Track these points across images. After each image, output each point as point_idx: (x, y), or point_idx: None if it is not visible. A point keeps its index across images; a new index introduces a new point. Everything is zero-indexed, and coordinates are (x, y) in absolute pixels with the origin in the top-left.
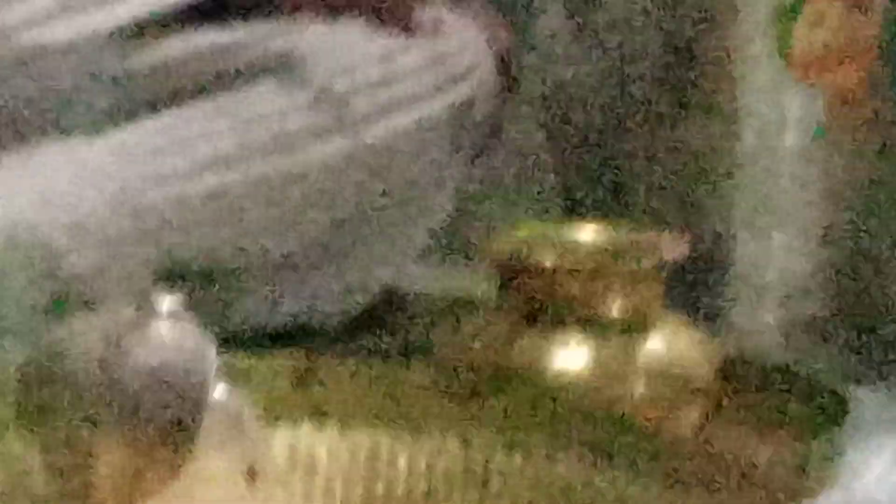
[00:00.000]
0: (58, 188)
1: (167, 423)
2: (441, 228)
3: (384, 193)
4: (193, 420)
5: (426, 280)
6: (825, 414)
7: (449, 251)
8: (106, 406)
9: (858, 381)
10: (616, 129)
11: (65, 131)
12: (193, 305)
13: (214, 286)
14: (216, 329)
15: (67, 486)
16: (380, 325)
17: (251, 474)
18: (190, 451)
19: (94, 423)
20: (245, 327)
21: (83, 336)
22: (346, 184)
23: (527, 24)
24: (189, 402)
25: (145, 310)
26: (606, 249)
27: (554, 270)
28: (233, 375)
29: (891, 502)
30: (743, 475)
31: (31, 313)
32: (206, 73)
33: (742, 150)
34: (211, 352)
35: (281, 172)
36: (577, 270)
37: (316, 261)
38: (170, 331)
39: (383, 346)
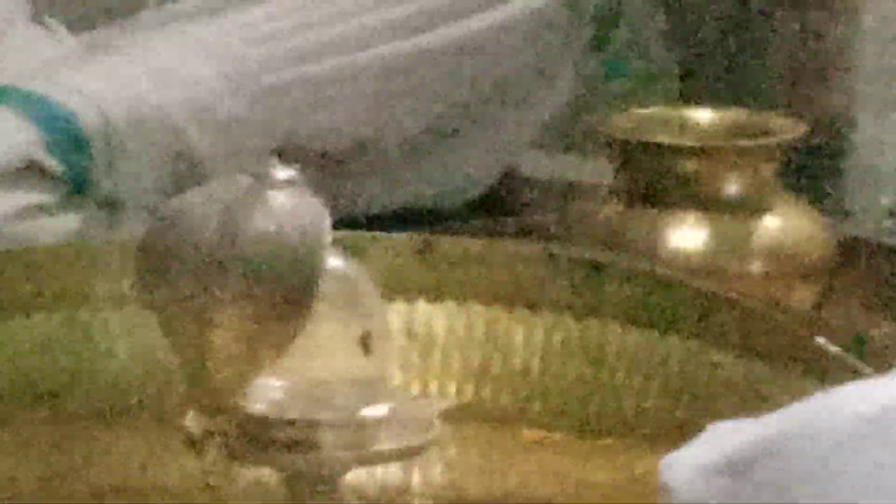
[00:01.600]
0: (179, 69)
1: (283, 289)
2: (560, 113)
3: (501, 78)
4: (309, 287)
5: (545, 164)
6: None
7: (568, 135)
8: (223, 274)
9: None
10: (735, 12)
11: (187, 13)
12: (314, 186)
13: (335, 168)
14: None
15: (187, 354)
16: (499, 207)
17: (366, 343)
18: (305, 319)
19: (212, 291)
20: (366, 209)
21: (202, 205)
22: (461, 70)
23: None
24: (304, 269)
25: (262, 179)
26: (723, 128)
27: (671, 149)
28: (353, 250)
29: None
30: (872, 352)
31: (155, 186)
32: None
33: (862, 31)
34: (326, 220)
35: (399, 56)
36: (693, 148)
37: (436, 145)
38: (285, 199)
39: (503, 227)
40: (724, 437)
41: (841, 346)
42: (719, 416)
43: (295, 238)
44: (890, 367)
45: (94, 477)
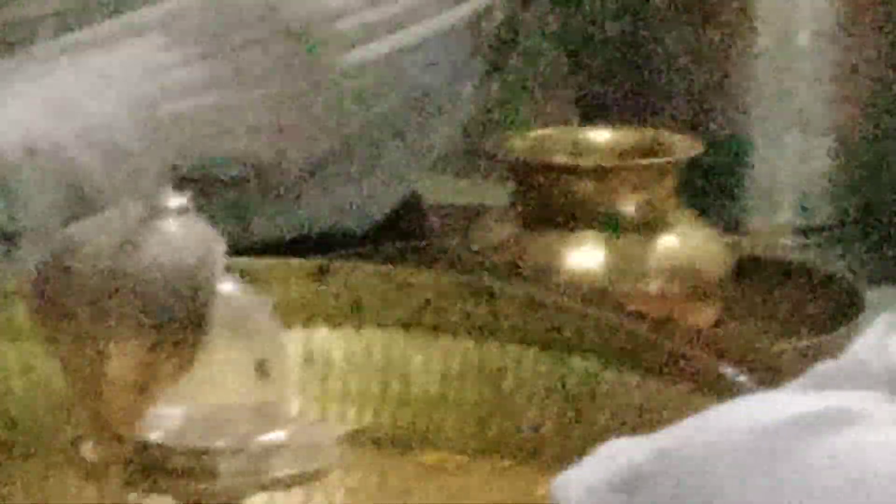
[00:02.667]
0: (74, 98)
1: (178, 317)
2: (460, 137)
3: (400, 103)
4: (203, 315)
5: (445, 188)
6: (840, 312)
7: (466, 160)
8: (118, 303)
9: (873, 280)
10: (631, 33)
11: (80, 42)
12: (215, 213)
13: (234, 196)
14: (238, 235)
15: (82, 384)
16: (400, 232)
17: (261, 369)
18: (200, 346)
19: (107, 320)
20: (266, 234)
21: (95, 235)
22: (361, 94)
23: None
24: (198, 296)
25: (154, 208)
26: (620, 147)
27: (568, 168)
28: (250, 276)
29: (879, 363)
30: (765, 368)
31: (50, 218)
32: None
33: (757, 51)
34: (220, 247)
35: (300, 84)
36: (589, 168)
37: (336, 170)
38: (178, 227)
39: (402, 251)
40: (617, 455)
41: (738, 362)
42: (617, 434)
43: (188, 266)
44: (783, 383)
45: None
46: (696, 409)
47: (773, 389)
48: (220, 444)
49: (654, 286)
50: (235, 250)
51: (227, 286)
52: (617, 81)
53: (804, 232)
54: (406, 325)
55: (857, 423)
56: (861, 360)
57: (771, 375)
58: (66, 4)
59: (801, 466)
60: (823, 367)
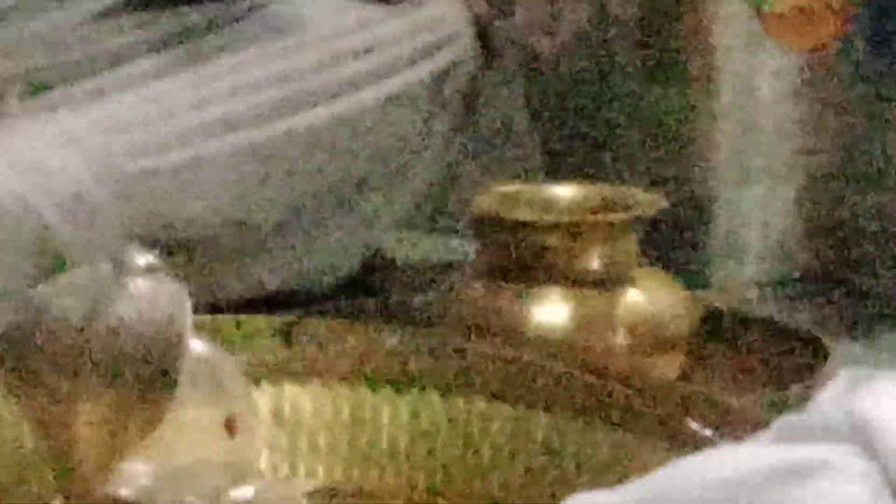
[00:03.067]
0: (42, 159)
1: (146, 375)
2: (424, 195)
3: (366, 160)
4: (172, 372)
5: (410, 246)
6: (804, 364)
7: (432, 217)
8: (87, 361)
9: (838, 334)
10: (594, 91)
11: (50, 104)
12: (181, 272)
13: (201, 253)
14: (205, 293)
15: (53, 441)
16: (366, 288)
17: (230, 426)
18: (170, 403)
19: (76, 379)
20: (233, 292)
21: (63, 294)
22: (328, 152)
23: None
24: (167, 353)
25: (121, 266)
26: (583, 204)
27: (532, 225)
28: (217, 334)
29: (843, 417)
30: (729, 422)
31: (17, 278)
32: (190, 44)
33: (719, 107)
34: (187, 304)
35: (263, 140)
36: (554, 225)
37: (302, 227)
38: (145, 285)
39: (368, 308)
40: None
41: (703, 416)
42: (583, 488)
43: (156, 324)
44: (748, 436)
45: None
46: (662, 463)
47: (739, 443)
48: (190, 499)
49: (619, 340)
50: (203, 308)
51: (195, 344)
52: (582, 138)
53: (769, 286)
54: (374, 381)
55: (824, 475)
56: (825, 414)
57: (737, 429)
58: (34, 65)
59: None
60: (788, 420)
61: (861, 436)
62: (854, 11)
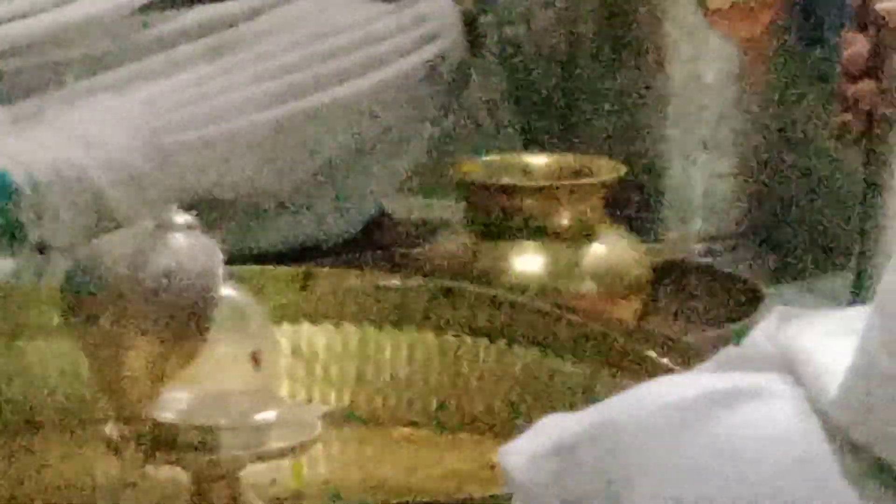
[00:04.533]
0: (95, 134)
1: (184, 316)
2: (419, 164)
3: (369, 135)
4: (205, 314)
5: (407, 207)
6: (742, 306)
7: (426, 182)
8: (133, 304)
9: (769, 280)
10: (564, 75)
11: (101, 85)
12: (214, 228)
13: (230, 213)
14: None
15: (105, 373)
16: (371, 242)
17: (256, 359)
18: (204, 340)
19: (125, 320)
20: (259, 245)
21: (114, 248)
22: (336, 128)
23: None
24: (201, 298)
25: (163, 225)
26: (555, 171)
27: (511, 189)
28: (244, 282)
29: (773, 349)
30: (675, 355)
31: (74, 234)
32: (218, 35)
33: (670, 88)
34: (219, 257)
35: (285, 118)
36: (530, 188)
37: (317, 192)
38: (183, 240)
39: (372, 260)
40: (553, 427)
41: (658, 349)
42: (556, 411)
43: (192, 273)
44: (693, 366)
45: (34, 477)
46: (622, 389)
47: (687, 371)
48: (221, 422)
49: (585, 287)
50: (233, 260)
51: (225, 290)
52: (554, 115)
53: (712, 240)
54: (377, 322)
55: (757, 398)
56: (758, 347)
57: (685, 359)
58: (87, 52)
59: (709, 435)
60: (727, 352)
61: (788, 365)
62: (784, 5)
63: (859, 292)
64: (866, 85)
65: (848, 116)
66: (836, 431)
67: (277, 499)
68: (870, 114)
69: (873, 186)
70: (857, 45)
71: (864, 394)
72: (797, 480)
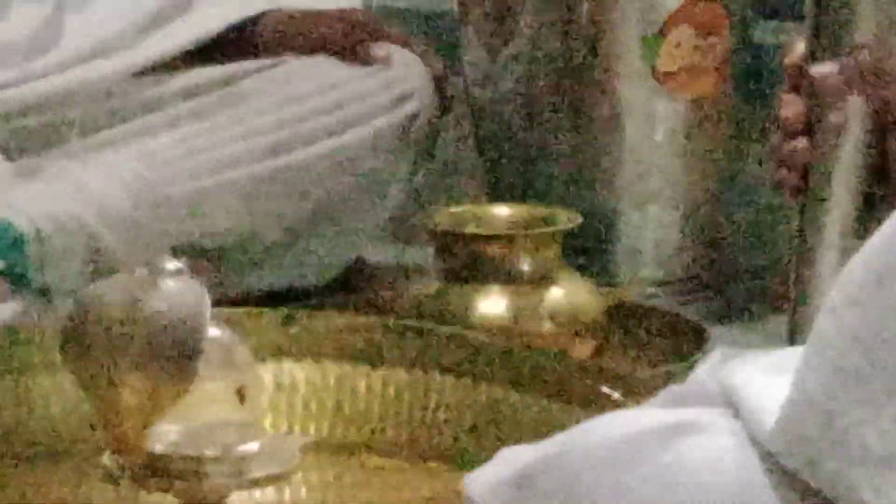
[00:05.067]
0: (94, 187)
1: (174, 355)
2: (393, 214)
3: (348, 187)
4: (194, 353)
5: (382, 253)
6: (689, 344)
7: (399, 231)
8: (127, 344)
9: (716, 321)
10: (526, 133)
11: (101, 142)
12: (202, 273)
13: (218, 259)
14: (220, 291)
15: (102, 407)
16: (349, 286)
17: (241, 394)
18: (193, 378)
19: (120, 358)
20: (244, 290)
21: (110, 292)
22: (318, 180)
23: (455, 57)
24: (190, 339)
25: (155, 270)
26: (517, 220)
27: (477, 237)
28: (230, 323)
29: (715, 386)
30: (627, 390)
31: (76, 278)
32: (203, 98)
33: (624, 145)
34: (206, 300)
35: (267, 172)
36: (494, 236)
37: (298, 239)
38: (174, 285)
39: (349, 302)
40: (513, 458)
41: (611, 384)
42: (516, 443)
43: (182, 315)
44: (644, 401)
45: None
46: (577, 422)
47: (636, 406)
48: (209, 452)
49: (545, 327)
50: (219, 302)
51: (213, 331)
52: (517, 169)
53: (660, 283)
54: (353, 359)
55: (700, 432)
56: (702, 384)
57: (635, 394)
58: (88, 112)
59: (656, 466)
60: (673, 389)
61: (729, 400)
62: (728, 69)
63: (795, 334)
64: (801, 142)
65: (784, 172)
66: (772, 461)
67: None
68: (804, 169)
69: (808, 236)
70: (792, 105)
71: (799, 426)
72: None
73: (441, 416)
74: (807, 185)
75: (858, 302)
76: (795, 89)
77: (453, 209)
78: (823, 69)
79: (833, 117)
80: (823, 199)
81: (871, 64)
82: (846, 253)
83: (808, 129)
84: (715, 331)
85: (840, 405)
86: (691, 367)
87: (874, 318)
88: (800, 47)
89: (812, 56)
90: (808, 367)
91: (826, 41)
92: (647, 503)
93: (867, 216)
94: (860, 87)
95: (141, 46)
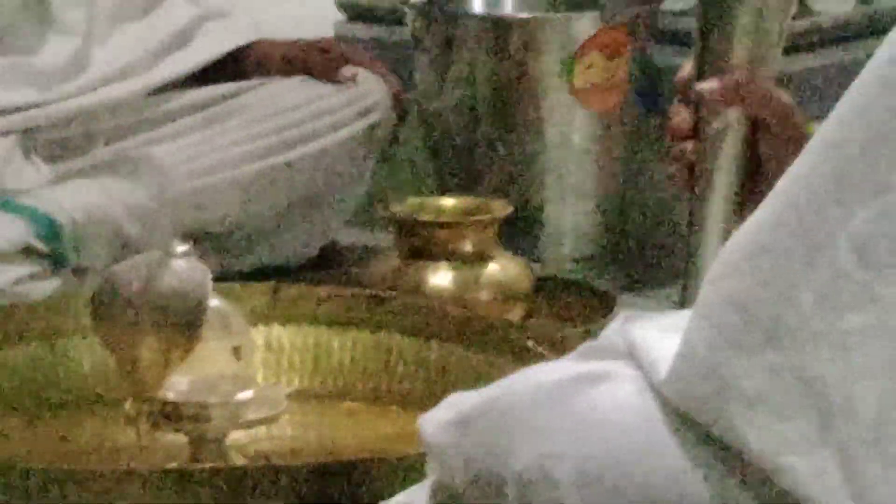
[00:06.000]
0: (119, 186)
1: (182, 322)
2: (360, 204)
3: (323, 183)
4: (198, 319)
5: (351, 237)
6: (600, 308)
7: (365, 218)
8: (144, 312)
9: (623, 290)
10: (467, 138)
11: (125, 148)
12: (205, 254)
13: (218, 243)
14: (220, 269)
15: (124, 364)
16: (325, 265)
17: (237, 353)
18: (197, 339)
19: (139, 324)
20: (237, 267)
21: (130, 270)
22: (300, 178)
23: (409, 76)
24: (195, 308)
25: (168, 252)
26: (461, 210)
27: (429, 223)
28: (227, 294)
29: (620, 342)
30: (551, 347)
31: (103, 259)
32: (208, 111)
33: (547, 147)
34: (208, 276)
35: (262, 171)
36: (442, 223)
37: (283, 226)
38: (182, 264)
39: (325, 277)
40: (457, 402)
41: (537, 342)
42: (461, 390)
43: (188, 289)
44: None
45: (73, 442)
46: (510, 372)
47: (558, 359)
48: (211, 400)
49: (484, 296)
50: (219, 278)
51: (213, 301)
52: (460, 168)
53: (578, 259)
54: (328, 323)
55: (608, 380)
56: (610, 341)
57: (557, 350)
58: (114, 123)
59: (572, 407)
60: (588, 345)
61: (631, 354)
62: (628, 87)
63: (685, 300)
64: (688, 145)
65: (676, 169)
66: (666, 404)
67: (254, 457)
68: (692, 166)
69: (696, 221)
70: (681, 115)
71: (687, 375)
72: (638, 440)
73: (400, 369)
74: (694, 180)
75: (735, 274)
76: (685, 102)
77: (409, 200)
78: (706, 85)
79: (714, 124)
80: (707, 191)
81: (744, 81)
82: (726, 235)
83: (695, 134)
84: (621, 298)
85: (719, 357)
86: (602, 328)
87: (747, 286)
88: (688, 68)
89: (698, 75)
90: (694, 326)
91: (709, 63)
92: (565, 440)
93: (742, 205)
94: (736, 100)
95: (154, 70)
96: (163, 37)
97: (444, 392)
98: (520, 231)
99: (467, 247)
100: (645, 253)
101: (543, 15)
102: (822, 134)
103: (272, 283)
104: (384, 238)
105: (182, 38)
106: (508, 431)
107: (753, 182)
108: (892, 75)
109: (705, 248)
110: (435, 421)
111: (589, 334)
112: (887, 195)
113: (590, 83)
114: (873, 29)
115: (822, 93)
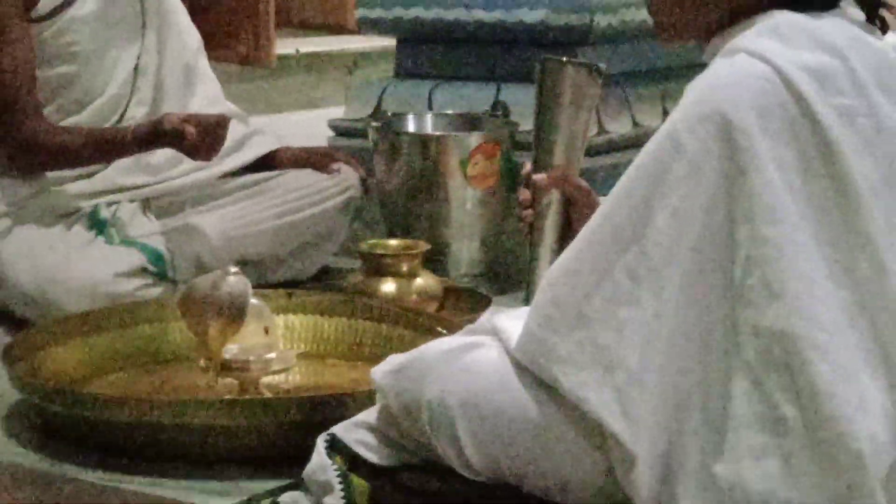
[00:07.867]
0: (198, 233)
1: (233, 312)
2: (340, 245)
3: (313, 235)
4: (243, 310)
5: (335, 263)
6: (481, 305)
7: (344, 252)
8: (211, 308)
9: (496, 293)
10: (404, 205)
11: (200, 212)
12: (248, 273)
13: (254, 266)
14: (256, 281)
15: (199, 338)
16: (319, 279)
17: (266, 331)
18: (242, 323)
19: (208, 314)
20: (266, 281)
21: (203, 282)
22: (299, 232)
23: (371, 168)
24: (241, 304)
25: (225, 272)
26: (401, 247)
27: (381, 255)
28: (261, 297)
29: (489, 324)
30: (450, 328)
31: (189, 275)
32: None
33: (451, 209)
34: (248, 285)
35: (285, 224)
36: (390, 255)
37: (294, 257)
38: (235, 280)
39: (322, 287)
40: (394, 359)
41: (442, 325)
42: (397, 352)
43: (237, 292)
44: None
45: (168, 383)
46: (424, 342)
47: (453, 335)
48: (251, 358)
49: (413, 298)
50: (256, 287)
51: (252, 300)
52: (401, 222)
53: (469, 276)
54: (322, 313)
55: (483, 348)
56: (484, 324)
57: (452, 330)
58: (194, 195)
59: (461, 363)
60: (470, 326)
61: (496, 332)
62: (499, 176)
63: (527, 300)
64: (528, 212)
65: (522, 224)
66: (518, 364)
67: (276, 392)
68: (532, 225)
69: (533, 254)
70: (524, 193)
71: (527, 345)
72: (498, 382)
73: (366, 340)
74: (532, 232)
75: (555, 285)
76: (526, 185)
77: (370, 241)
78: (538, 176)
79: (544, 200)
80: (539, 238)
81: (562, 174)
82: (550, 263)
83: (533, 206)
84: (495, 299)
85: (545, 334)
86: (479, 317)
87: (561, 292)
88: (528, 165)
89: (534, 170)
90: (531, 316)
91: (540, 162)
92: (455, 381)
93: (560, 247)
94: (557, 186)
95: (222, 164)
96: (228, 143)
97: (387, 353)
98: (435, 259)
99: (404, 268)
100: (509, 272)
101: (450, 133)
102: (604, 204)
103: (288, 290)
104: (356, 263)
105: (238, 145)
106: (423, 377)
107: (566, 234)
108: (643, 164)
109: (538, 271)
110: (381, 371)
111: (472, 321)
112: (642, 241)
113: (477, 173)
114: (640, 142)
115: (610, 181)
